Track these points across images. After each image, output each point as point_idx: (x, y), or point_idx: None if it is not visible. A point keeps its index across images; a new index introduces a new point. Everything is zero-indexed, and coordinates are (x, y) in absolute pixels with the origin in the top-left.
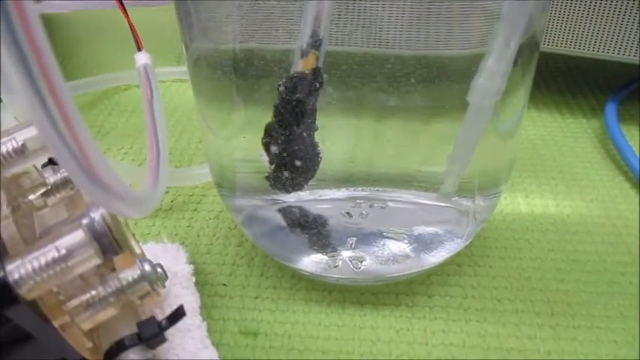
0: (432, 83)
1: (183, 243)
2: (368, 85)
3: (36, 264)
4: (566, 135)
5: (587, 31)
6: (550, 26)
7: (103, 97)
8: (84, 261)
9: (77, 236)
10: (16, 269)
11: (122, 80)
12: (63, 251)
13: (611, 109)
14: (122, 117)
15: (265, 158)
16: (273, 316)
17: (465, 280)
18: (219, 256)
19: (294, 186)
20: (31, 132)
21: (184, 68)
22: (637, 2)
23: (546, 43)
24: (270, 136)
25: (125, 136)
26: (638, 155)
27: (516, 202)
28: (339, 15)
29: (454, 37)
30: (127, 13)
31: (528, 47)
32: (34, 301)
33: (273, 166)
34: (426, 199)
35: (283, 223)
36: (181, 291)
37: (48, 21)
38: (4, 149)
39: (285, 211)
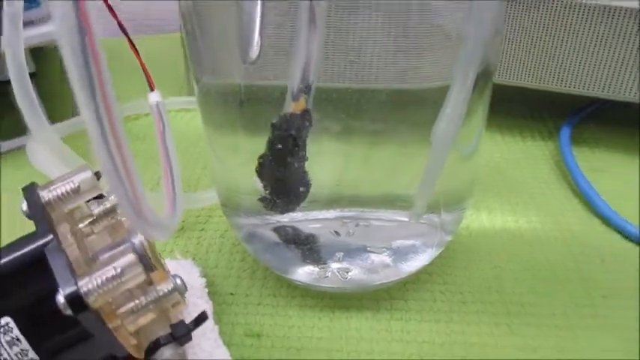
0: (407, 115)
1: (193, 259)
2: (353, 117)
3: (99, 280)
4: (527, 157)
5: (542, 66)
6: (509, 62)
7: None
8: (134, 277)
9: (129, 258)
10: (85, 284)
11: (131, 110)
12: (119, 270)
13: (564, 133)
14: (133, 145)
15: (259, 184)
16: (273, 320)
17: (435, 287)
18: (226, 269)
19: (286, 209)
20: (83, 175)
21: (187, 98)
22: (586, 41)
23: (508, 77)
24: (262, 165)
25: (139, 165)
26: (584, 175)
27: (480, 219)
28: (326, 56)
29: (426, 73)
30: (139, 55)
31: (482, 78)
32: (96, 309)
33: (267, 191)
34: (403, 217)
35: (279, 240)
36: (197, 300)
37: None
38: (64, 189)
39: (280, 230)
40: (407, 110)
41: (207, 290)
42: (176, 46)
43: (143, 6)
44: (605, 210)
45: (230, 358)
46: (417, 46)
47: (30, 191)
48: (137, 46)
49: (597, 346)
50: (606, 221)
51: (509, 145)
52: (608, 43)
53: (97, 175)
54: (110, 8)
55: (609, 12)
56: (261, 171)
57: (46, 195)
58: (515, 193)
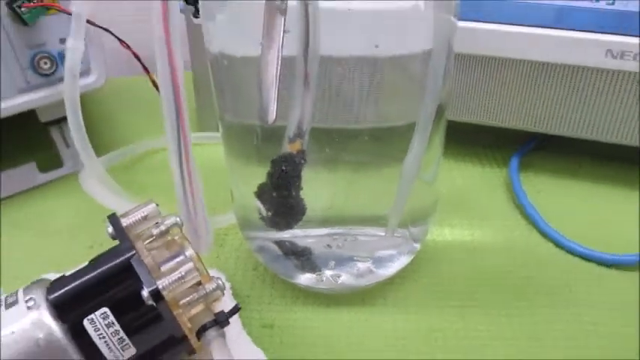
0: (381, 149)
1: (218, 269)
2: (339, 152)
3: (170, 281)
4: (483, 182)
5: (496, 108)
6: (470, 104)
7: (137, 159)
8: (191, 279)
9: (189, 266)
10: (161, 283)
11: (151, 145)
12: (183, 273)
13: (514, 161)
14: (155, 175)
15: (260, 205)
16: (282, 315)
17: (407, 288)
18: (242, 277)
19: (285, 227)
20: (150, 207)
21: (201, 134)
22: (527, 89)
23: (469, 116)
24: (262, 192)
25: (160, 191)
26: (528, 196)
27: (444, 233)
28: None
29: (395, 114)
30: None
31: (438, 117)
32: (166, 303)
33: (269, 212)
34: (381, 232)
35: (281, 252)
36: (225, 299)
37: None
38: (137, 217)
39: (280, 244)
40: (381, 145)
41: (231, 292)
42: (187, 83)
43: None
44: (542, 225)
45: (251, 341)
46: (388, 93)
47: (114, 219)
48: (140, 83)
49: (528, 330)
50: (543, 234)
51: (469, 172)
52: (544, 91)
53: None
54: (128, 47)
55: (540, 67)
56: (261, 196)
57: (125, 221)
58: (472, 212)
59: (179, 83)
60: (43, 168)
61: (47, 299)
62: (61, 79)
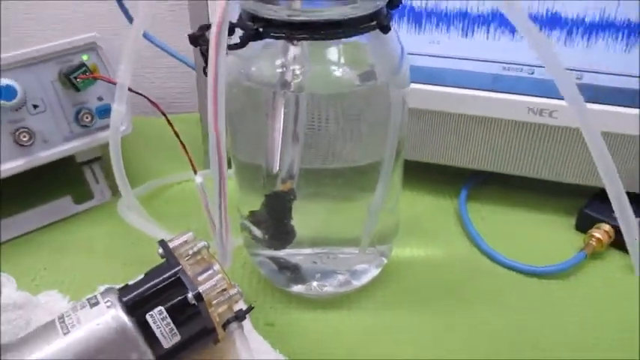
0: (354, 184)
1: None
2: (324, 186)
3: (207, 287)
4: (438, 210)
5: (443, 149)
6: (421, 147)
7: (160, 191)
8: (221, 286)
9: (220, 277)
10: (201, 289)
11: (173, 179)
12: (215, 282)
13: (463, 193)
14: (177, 205)
15: (251, 227)
16: (280, 315)
17: (378, 294)
18: (248, 287)
19: (279, 247)
20: (188, 235)
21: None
22: (471, 132)
23: (429, 157)
24: (257, 220)
25: (182, 219)
26: (472, 222)
27: (406, 251)
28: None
29: (364, 156)
30: (179, 137)
31: (396, 158)
32: (204, 303)
33: (265, 235)
34: (356, 250)
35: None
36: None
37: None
38: (180, 242)
39: (276, 260)
40: (353, 181)
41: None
42: (195, 125)
43: (162, 89)
44: (482, 244)
45: (258, 335)
46: (358, 140)
47: (163, 243)
48: (157, 123)
49: (470, 324)
50: (482, 252)
51: (426, 203)
52: (483, 138)
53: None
54: (156, 106)
55: (479, 120)
56: (256, 221)
57: (171, 245)
58: (427, 234)
59: (222, 150)
60: (78, 200)
61: (121, 300)
62: (97, 129)
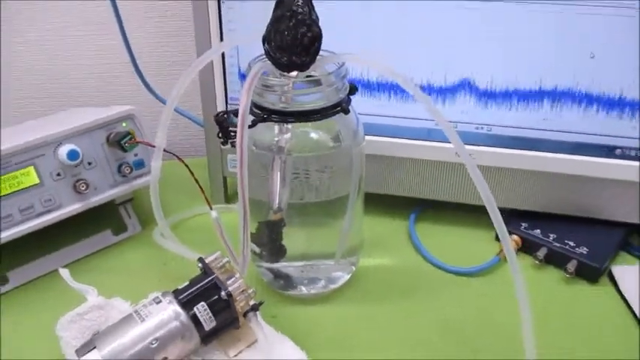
0: (329, 212)
1: None
2: (306, 216)
3: (234, 288)
4: (393, 229)
5: (396, 183)
6: (379, 182)
7: (181, 223)
8: (242, 288)
9: (241, 281)
10: (231, 289)
11: (191, 213)
12: (237, 285)
13: (412, 216)
14: (196, 234)
15: (254, 246)
16: (280, 310)
17: (350, 292)
18: (258, 289)
19: (273, 261)
20: (217, 254)
21: (223, 205)
22: (415, 170)
23: (385, 189)
24: (257, 241)
25: (202, 243)
26: (419, 238)
27: (369, 260)
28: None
29: (335, 190)
30: (195, 178)
31: (358, 192)
32: (233, 299)
33: (262, 252)
34: (332, 262)
35: (271, 275)
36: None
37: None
38: (213, 258)
39: (272, 270)
40: (328, 210)
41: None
42: (198, 168)
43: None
44: (425, 253)
45: (265, 324)
46: (329, 182)
47: (201, 259)
48: (173, 167)
49: (419, 310)
50: (425, 259)
51: (383, 224)
52: (425, 174)
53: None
54: (181, 160)
55: (420, 161)
56: (257, 240)
57: (207, 260)
58: (384, 248)
59: (246, 194)
60: (115, 233)
61: (177, 299)
62: (133, 178)
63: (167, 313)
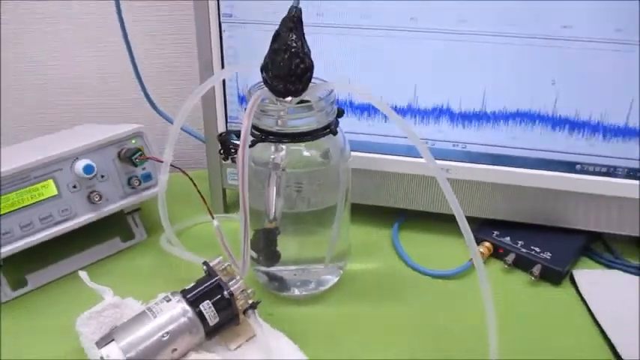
0: (320, 221)
1: None
2: (298, 224)
3: (235, 288)
4: (378, 237)
5: (380, 194)
6: (364, 193)
7: (184, 231)
8: (242, 288)
9: (241, 283)
10: (232, 289)
11: (194, 222)
12: (238, 286)
13: (395, 225)
14: (198, 240)
15: (252, 252)
16: (277, 309)
17: (337, 294)
18: (256, 290)
19: (269, 265)
20: (219, 259)
21: (224, 215)
22: (397, 183)
23: (370, 200)
24: (254, 247)
25: (204, 249)
26: (402, 245)
27: (356, 266)
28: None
29: (324, 200)
30: (198, 189)
31: (345, 202)
32: (234, 298)
33: (259, 256)
34: (322, 266)
35: (267, 278)
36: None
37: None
38: (216, 262)
39: (268, 274)
40: (318, 219)
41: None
42: (199, 179)
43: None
44: (406, 259)
45: (263, 321)
46: (319, 193)
47: (206, 263)
48: (177, 179)
49: (400, 310)
50: (406, 264)
51: (369, 232)
52: (406, 187)
53: (206, 264)
54: (186, 174)
55: (401, 175)
56: (254, 246)
57: (211, 264)
58: (369, 253)
59: (246, 205)
60: (123, 240)
61: (185, 297)
62: (142, 189)
63: (176, 310)
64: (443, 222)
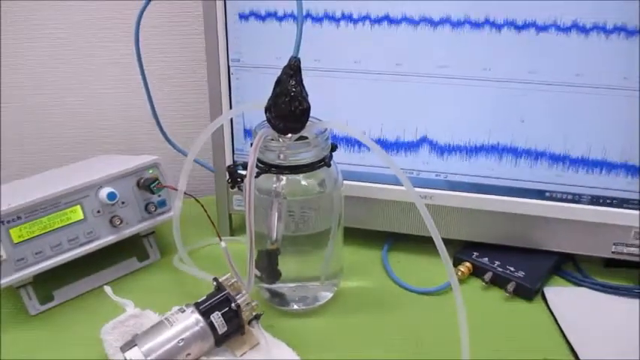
0: (314, 242)
1: None
2: (297, 245)
3: (241, 300)
4: (368, 257)
5: (370, 218)
6: (357, 218)
7: (194, 251)
8: (247, 301)
9: (247, 296)
10: (239, 301)
11: (204, 243)
12: (244, 299)
13: (385, 246)
14: (206, 260)
15: (255, 270)
16: (276, 321)
17: (332, 308)
18: (259, 304)
19: (270, 283)
20: (227, 276)
21: (231, 237)
22: (385, 209)
23: (364, 225)
24: (258, 266)
25: (213, 268)
26: (390, 264)
27: (349, 283)
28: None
29: (317, 225)
30: (208, 215)
31: (338, 225)
32: (240, 309)
33: (262, 275)
34: (318, 283)
35: (269, 294)
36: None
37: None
38: (225, 278)
39: (269, 290)
40: (314, 241)
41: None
42: (211, 205)
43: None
44: (394, 277)
45: (265, 332)
46: (315, 218)
47: (216, 279)
48: (187, 204)
49: (389, 322)
50: (394, 282)
51: (360, 252)
52: (393, 212)
53: (216, 280)
54: (197, 201)
55: (388, 202)
56: (257, 267)
57: (220, 280)
58: (361, 272)
59: (252, 228)
60: (139, 260)
61: (198, 309)
62: (157, 214)
63: (190, 320)
64: (428, 244)
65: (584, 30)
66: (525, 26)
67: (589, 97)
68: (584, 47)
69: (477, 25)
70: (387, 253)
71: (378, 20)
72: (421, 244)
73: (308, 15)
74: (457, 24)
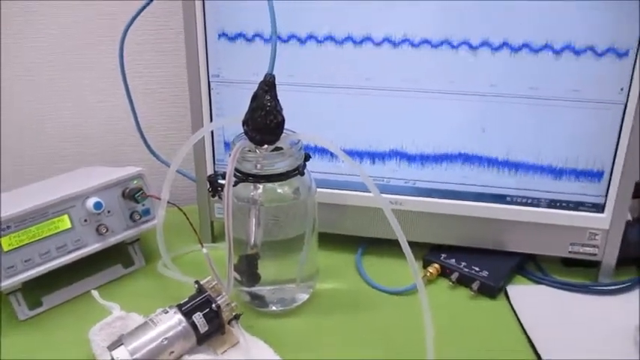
0: (291, 246)
1: None
2: (275, 250)
3: (221, 301)
4: (343, 261)
5: (344, 223)
6: (331, 223)
7: (177, 257)
8: (227, 302)
9: (226, 298)
10: (219, 302)
11: (187, 250)
12: (224, 300)
13: (359, 250)
14: (189, 266)
15: (235, 274)
16: (256, 321)
17: (308, 308)
18: (239, 305)
19: (251, 285)
20: (209, 279)
21: (213, 244)
22: (358, 215)
23: (335, 229)
24: (238, 270)
25: (196, 272)
26: (364, 267)
27: (324, 285)
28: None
29: (292, 230)
30: (192, 224)
31: (313, 231)
32: (220, 310)
33: (242, 277)
34: (294, 285)
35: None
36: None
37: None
38: (206, 281)
39: (249, 292)
40: (290, 245)
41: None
42: (193, 213)
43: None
44: (367, 279)
45: (245, 332)
46: (291, 223)
47: (197, 282)
48: (173, 213)
49: (363, 321)
50: (368, 284)
51: (335, 256)
52: (366, 218)
53: (198, 282)
54: (180, 209)
55: (361, 208)
56: (237, 271)
57: (201, 282)
58: (335, 275)
59: (231, 234)
60: (125, 266)
61: (180, 310)
62: (141, 223)
63: (173, 320)
64: (398, 247)
65: (534, 50)
66: (481, 45)
67: (544, 109)
68: (536, 63)
69: (435, 45)
70: (361, 256)
71: (341, 41)
72: (392, 247)
73: (279, 37)
74: (416, 45)
